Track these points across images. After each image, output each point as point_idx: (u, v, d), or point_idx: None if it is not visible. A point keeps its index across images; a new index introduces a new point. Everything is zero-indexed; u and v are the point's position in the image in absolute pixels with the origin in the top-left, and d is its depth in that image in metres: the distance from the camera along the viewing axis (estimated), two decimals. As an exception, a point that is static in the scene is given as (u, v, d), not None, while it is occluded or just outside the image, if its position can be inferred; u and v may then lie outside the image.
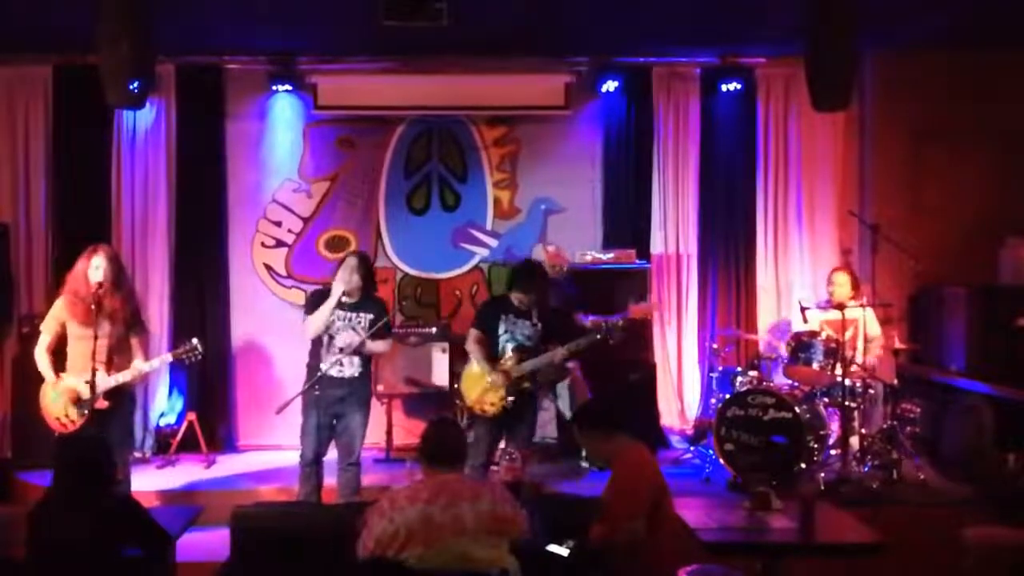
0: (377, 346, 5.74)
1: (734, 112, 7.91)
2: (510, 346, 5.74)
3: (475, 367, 5.79)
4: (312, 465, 5.61)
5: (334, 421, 5.63)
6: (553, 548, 3.79)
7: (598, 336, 5.82)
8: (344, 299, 5.60)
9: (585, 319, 6.51)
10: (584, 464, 6.68)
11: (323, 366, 5.54)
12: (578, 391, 6.63)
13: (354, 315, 5.65)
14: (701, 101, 7.90)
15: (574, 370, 6.66)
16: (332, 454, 5.74)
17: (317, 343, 5.65)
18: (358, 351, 5.61)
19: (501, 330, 5.77)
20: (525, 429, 5.87)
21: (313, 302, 5.71)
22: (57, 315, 5.40)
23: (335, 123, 7.87)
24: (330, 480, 5.71)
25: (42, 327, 5.45)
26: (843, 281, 6.80)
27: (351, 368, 5.61)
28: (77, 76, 7.11)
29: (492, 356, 5.75)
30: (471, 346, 5.82)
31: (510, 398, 5.65)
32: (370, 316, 5.67)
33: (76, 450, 3.64)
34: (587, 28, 6.97)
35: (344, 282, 5.55)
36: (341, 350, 5.57)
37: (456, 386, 6.14)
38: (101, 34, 5.25)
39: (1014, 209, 7.28)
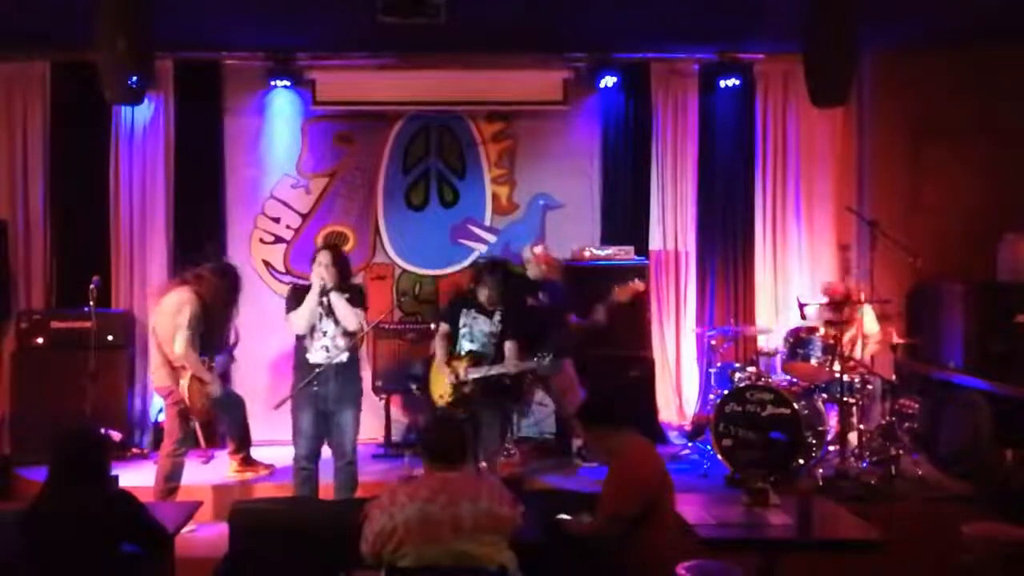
0: (347, 312, 5.53)
1: (732, 108, 7.91)
2: (466, 345, 5.87)
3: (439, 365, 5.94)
4: (309, 464, 5.58)
5: (327, 416, 5.59)
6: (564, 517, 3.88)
7: (535, 367, 5.90)
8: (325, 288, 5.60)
9: (575, 320, 6.51)
10: (576, 460, 6.66)
11: (310, 357, 5.54)
12: (570, 392, 6.55)
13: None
14: (699, 97, 7.90)
15: (567, 369, 6.63)
16: (325, 451, 5.71)
17: (301, 342, 5.62)
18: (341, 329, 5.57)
19: (461, 323, 5.91)
20: (490, 426, 5.93)
21: (295, 298, 5.64)
22: None
23: (333, 119, 7.85)
24: (326, 479, 5.69)
25: None
26: (837, 297, 6.81)
27: (336, 351, 5.54)
28: (75, 72, 7.10)
29: (451, 353, 5.91)
30: (437, 340, 6.00)
31: (462, 392, 5.78)
32: (347, 296, 5.66)
33: (73, 446, 3.63)
34: (585, 24, 6.96)
35: (321, 278, 5.53)
36: (340, 335, 5.55)
37: (423, 385, 6.19)
38: (99, 30, 5.25)
39: (1012, 206, 7.26)
